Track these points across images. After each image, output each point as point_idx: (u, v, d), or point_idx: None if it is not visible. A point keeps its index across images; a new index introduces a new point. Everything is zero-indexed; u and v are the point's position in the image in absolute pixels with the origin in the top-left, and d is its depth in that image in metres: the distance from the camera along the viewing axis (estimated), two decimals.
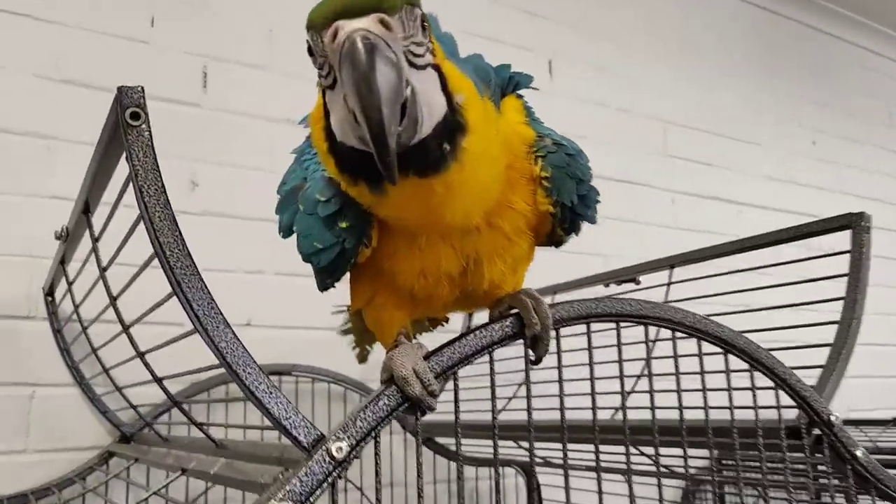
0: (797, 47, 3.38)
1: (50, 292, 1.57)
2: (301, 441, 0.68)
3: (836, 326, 1.14)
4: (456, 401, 0.79)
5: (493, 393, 0.80)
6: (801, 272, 1.25)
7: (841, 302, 1.15)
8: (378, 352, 1.67)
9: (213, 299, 0.67)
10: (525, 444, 1.87)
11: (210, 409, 1.77)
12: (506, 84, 0.85)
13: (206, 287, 0.68)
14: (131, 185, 0.69)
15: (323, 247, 0.75)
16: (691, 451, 1.25)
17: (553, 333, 0.82)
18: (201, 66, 1.91)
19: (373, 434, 0.70)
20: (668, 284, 1.52)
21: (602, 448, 0.95)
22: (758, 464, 1.19)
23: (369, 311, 0.88)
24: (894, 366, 3.13)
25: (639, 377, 1.41)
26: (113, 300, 0.97)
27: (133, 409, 1.31)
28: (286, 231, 0.82)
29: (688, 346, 0.96)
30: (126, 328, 0.98)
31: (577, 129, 2.41)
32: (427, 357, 0.75)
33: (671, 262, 1.51)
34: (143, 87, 0.70)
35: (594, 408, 0.89)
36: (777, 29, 3.33)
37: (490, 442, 1.71)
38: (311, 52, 0.64)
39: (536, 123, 0.84)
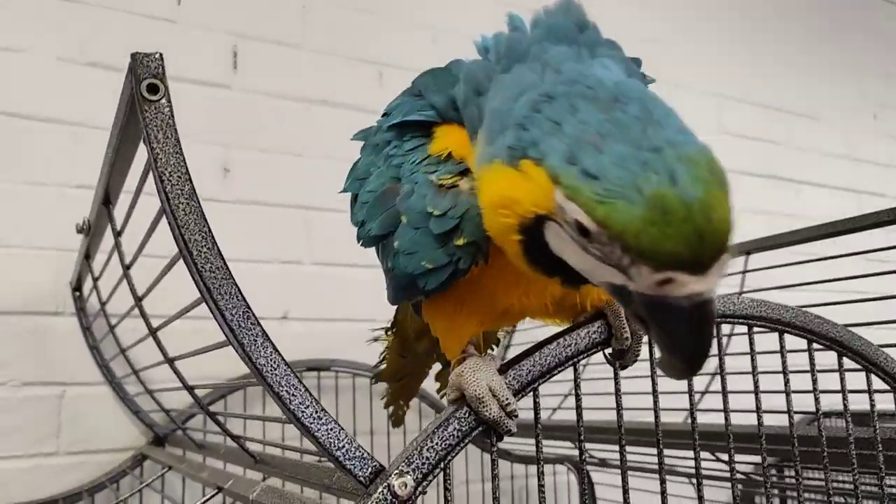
0: (858, 15, 3.17)
1: (77, 287, 1.49)
2: (357, 475, 0.57)
3: None
4: (536, 420, 0.67)
5: (578, 410, 0.68)
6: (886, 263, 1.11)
7: None
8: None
9: (248, 307, 0.56)
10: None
11: (247, 405, 1.68)
12: None
13: (240, 293, 0.57)
14: (151, 172, 0.58)
15: (433, 266, 0.62)
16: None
17: (645, 339, 0.70)
18: (231, 46, 1.80)
19: (442, 465, 0.59)
20: (744, 273, 1.38)
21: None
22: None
23: (442, 320, 0.75)
24: None
25: (713, 376, 1.27)
26: (138, 301, 0.87)
27: (165, 413, 1.22)
28: (372, 241, 0.70)
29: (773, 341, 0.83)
30: (153, 332, 0.88)
31: None
32: (502, 371, 0.63)
33: (747, 249, 1.36)
34: (161, 54, 0.59)
35: (692, 411, 0.77)
36: None
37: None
38: (584, 231, 0.48)
39: None
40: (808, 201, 2.76)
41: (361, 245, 0.73)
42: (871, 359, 0.83)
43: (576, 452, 1.81)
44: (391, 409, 1.31)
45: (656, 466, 0.72)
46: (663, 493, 0.73)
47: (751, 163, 2.66)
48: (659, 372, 0.75)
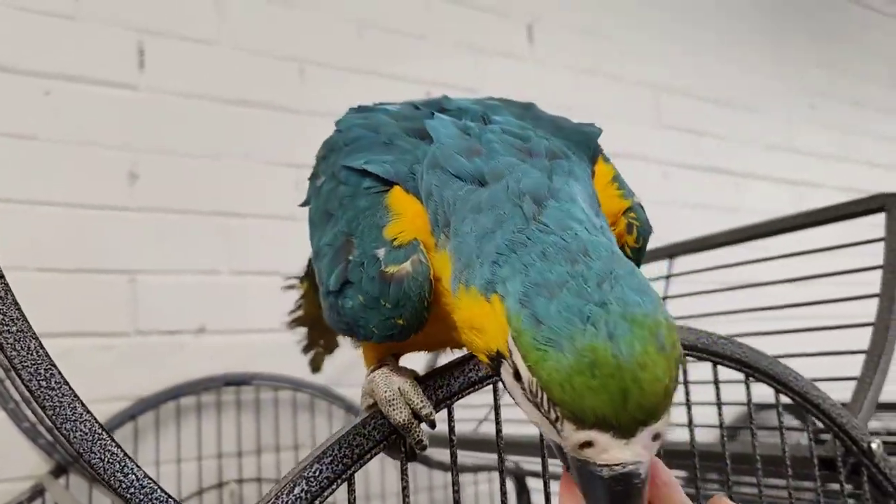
0: (795, 6, 3.17)
1: None
2: None
3: (870, 329, 0.96)
4: (450, 427, 0.64)
5: (497, 425, 0.65)
6: (826, 263, 1.08)
7: (875, 300, 0.97)
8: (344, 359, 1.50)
9: (52, 364, 0.49)
10: (509, 457, 1.70)
11: (160, 425, 1.59)
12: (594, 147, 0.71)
13: (41, 348, 0.49)
14: None
15: (377, 332, 0.63)
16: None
17: None
18: (136, 43, 1.70)
19: None
20: (668, 277, 1.34)
21: None
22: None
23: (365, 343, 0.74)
24: None
25: None
26: None
27: (51, 447, 1.12)
28: (330, 289, 0.68)
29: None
30: (7, 370, 0.79)
31: (562, 100, 2.22)
32: (422, 381, 0.63)
33: (671, 252, 1.32)
34: None
35: None
36: None
37: (468, 451, 1.56)
38: (518, 377, 0.48)
39: (624, 187, 0.71)
40: (748, 194, 2.76)
41: (332, 288, 0.70)
42: (782, 379, 0.79)
43: (510, 464, 1.76)
44: (310, 354, 1.27)
45: None
46: None
47: (688, 156, 2.64)
48: None
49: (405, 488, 0.61)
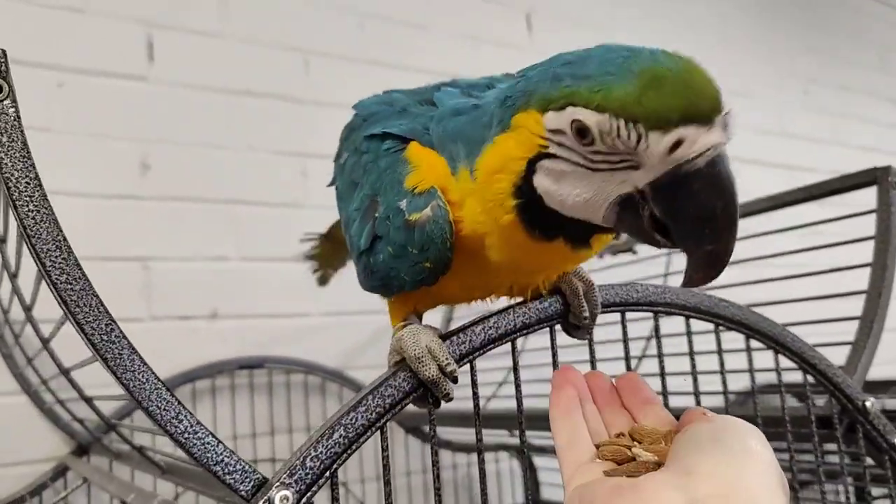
0: None
1: None
2: (238, 490, 0.54)
3: (863, 297, 1.01)
4: (473, 380, 0.68)
5: (517, 387, 0.70)
6: (821, 236, 1.12)
7: (867, 269, 1.02)
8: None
9: (112, 320, 0.53)
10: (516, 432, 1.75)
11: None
12: None
13: (101, 305, 0.53)
14: None
15: (409, 279, 0.68)
16: None
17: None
18: (146, 36, 1.73)
19: (328, 474, 0.56)
20: (670, 254, 1.38)
21: None
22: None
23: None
24: None
25: (640, 358, 1.28)
26: (27, 310, 0.82)
27: (80, 423, 1.17)
28: (360, 250, 0.73)
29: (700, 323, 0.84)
30: (45, 342, 0.83)
31: None
32: (445, 338, 0.66)
33: None
34: (4, 51, 0.55)
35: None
36: None
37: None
38: (584, 132, 0.52)
39: None
40: (744, 178, 2.79)
41: (363, 247, 0.74)
42: (780, 340, 0.83)
43: (515, 440, 1.81)
44: (318, 273, 1.38)
45: None
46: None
47: None
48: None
49: (435, 465, 0.65)
